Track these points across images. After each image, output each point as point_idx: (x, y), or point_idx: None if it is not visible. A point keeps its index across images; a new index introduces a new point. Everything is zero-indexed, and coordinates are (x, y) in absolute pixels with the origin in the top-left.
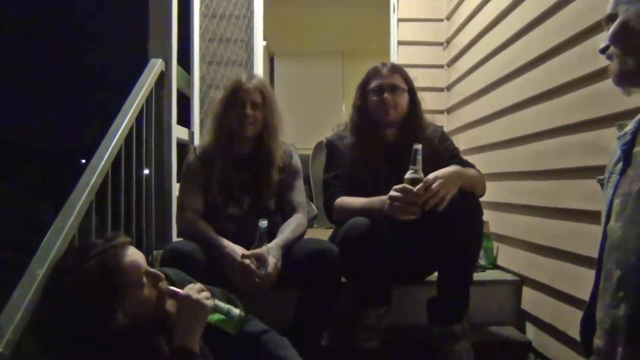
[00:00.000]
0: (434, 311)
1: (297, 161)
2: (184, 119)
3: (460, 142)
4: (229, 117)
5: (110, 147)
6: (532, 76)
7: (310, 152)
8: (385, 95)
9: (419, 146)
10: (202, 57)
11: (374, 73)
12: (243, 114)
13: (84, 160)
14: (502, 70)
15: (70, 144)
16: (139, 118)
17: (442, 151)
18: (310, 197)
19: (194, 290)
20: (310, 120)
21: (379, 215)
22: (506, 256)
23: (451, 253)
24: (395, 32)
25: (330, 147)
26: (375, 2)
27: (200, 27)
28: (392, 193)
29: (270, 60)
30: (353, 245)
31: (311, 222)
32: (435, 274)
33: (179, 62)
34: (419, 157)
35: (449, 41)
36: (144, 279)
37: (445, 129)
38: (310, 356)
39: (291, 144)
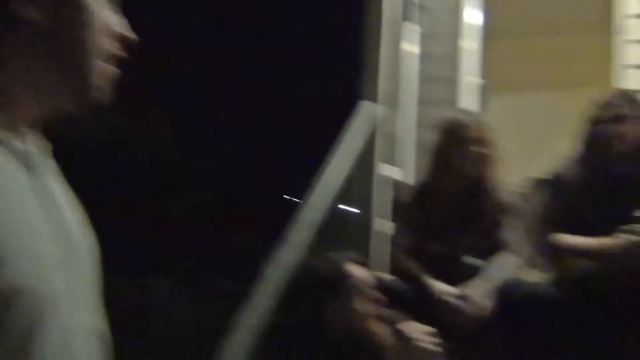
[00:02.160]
0: None
1: (509, 197)
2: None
3: None
4: (448, 156)
5: (326, 186)
6: None
7: (526, 190)
8: (612, 127)
9: None
10: (412, 98)
11: (600, 104)
12: (466, 153)
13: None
14: None
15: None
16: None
17: None
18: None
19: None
20: (527, 157)
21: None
22: None
23: None
24: (623, 55)
25: (552, 181)
26: (598, 25)
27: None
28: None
29: (485, 97)
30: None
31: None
32: None
33: (390, 103)
34: None
35: None
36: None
37: None
38: None
39: (504, 179)
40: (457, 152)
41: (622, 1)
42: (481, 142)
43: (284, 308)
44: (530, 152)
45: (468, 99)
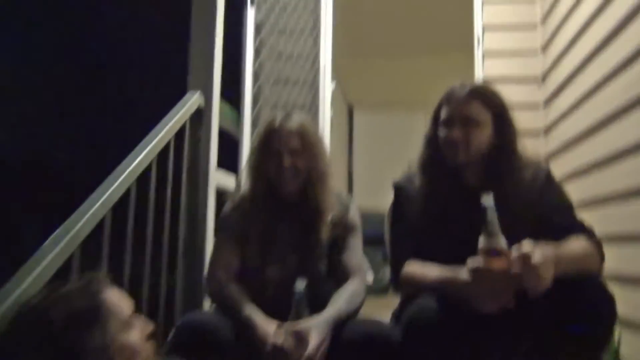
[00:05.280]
0: None
1: (354, 215)
2: (233, 164)
3: None
4: (266, 168)
5: (109, 189)
6: None
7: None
8: (455, 130)
9: (489, 199)
10: (265, 99)
11: (447, 98)
12: (280, 166)
13: None
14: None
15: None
16: (163, 157)
17: (543, 203)
18: (384, 260)
19: None
20: (391, 176)
21: (459, 291)
22: (633, 347)
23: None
24: (481, 69)
25: (397, 193)
26: (459, 47)
27: (264, 67)
28: (470, 267)
29: (349, 112)
30: (419, 337)
31: (385, 288)
32: None
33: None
34: (493, 217)
35: (545, 76)
36: (132, 321)
37: None
38: None
39: (347, 194)
40: (270, 162)
41: (479, 16)
42: (300, 152)
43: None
44: (392, 172)
45: (322, 105)
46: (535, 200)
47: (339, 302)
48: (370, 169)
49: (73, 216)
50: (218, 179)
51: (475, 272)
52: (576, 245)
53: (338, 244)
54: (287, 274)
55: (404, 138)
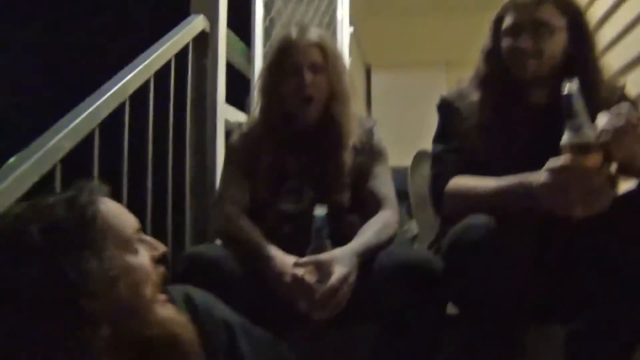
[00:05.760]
0: (574, 348)
1: (380, 141)
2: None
3: None
4: (281, 89)
5: (97, 103)
6: None
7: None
8: (523, 38)
9: (574, 86)
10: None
11: (512, 3)
12: (300, 83)
13: None
14: None
15: None
16: (163, 80)
17: None
18: (409, 214)
19: None
20: (410, 136)
21: (523, 206)
22: None
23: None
24: None
25: (445, 108)
26: (483, 6)
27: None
28: (551, 166)
29: (367, 73)
30: (467, 258)
31: (410, 244)
32: None
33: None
34: (580, 105)
35: None
36: (137, 240)
37: None
38: None
39: (370, 117)
40: (287, 80)
41: None
42: (322, 67)
43: None
44: (412, 132)
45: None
46: None
47: (368, 233)
48: (389, 130)
49: (52, 128)
50: (227, 113)
51: (562, 171)
52: None
53: (363, 172)
54: (303, 209)
55: (424, 97)
